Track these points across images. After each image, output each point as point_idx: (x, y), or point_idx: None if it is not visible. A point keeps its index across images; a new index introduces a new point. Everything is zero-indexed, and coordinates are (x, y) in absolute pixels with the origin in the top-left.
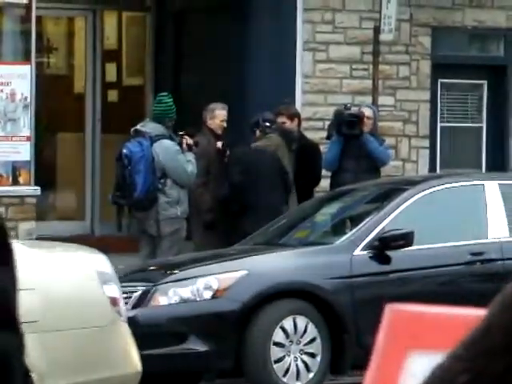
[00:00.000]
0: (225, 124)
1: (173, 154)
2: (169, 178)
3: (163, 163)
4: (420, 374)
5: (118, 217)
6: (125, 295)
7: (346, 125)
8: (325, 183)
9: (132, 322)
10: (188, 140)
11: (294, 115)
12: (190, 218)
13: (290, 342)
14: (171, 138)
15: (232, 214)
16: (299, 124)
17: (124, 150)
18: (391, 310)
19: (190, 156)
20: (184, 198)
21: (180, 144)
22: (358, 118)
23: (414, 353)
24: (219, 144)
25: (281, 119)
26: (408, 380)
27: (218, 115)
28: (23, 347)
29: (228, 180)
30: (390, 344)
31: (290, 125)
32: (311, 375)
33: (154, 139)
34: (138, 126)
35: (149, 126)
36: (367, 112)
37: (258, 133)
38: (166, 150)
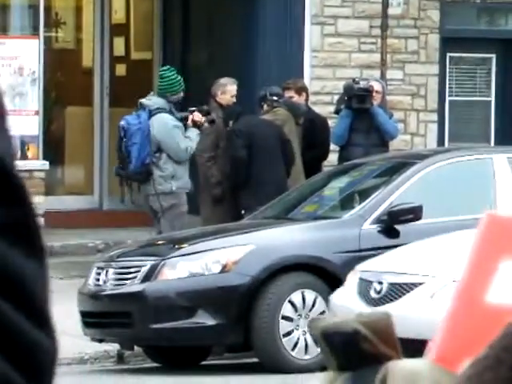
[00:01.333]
0: (234, 99)
1: (169, 128)
2: (163, 152)
3: (158, 137)
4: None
5: (121, 189)
6: (133, 269)
7: (356, 99)
8: (333, 157)
9: (140, 295)
10: (195, 116)
11: (302, 89)
12: (198, 192)
13: (299, 315)
14: (171, 113)
15: (235, 187)
16: (307, 98)
17: (121, 122)
18: (489, 216)
19: (192, 132)
20: (181, 173)
21: (184, 119)
22: (368, 92)
23: (509, 258)
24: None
25: (288, 93)
26: (501, 284)
27: (229, 90)
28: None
29: (230, 154)
30: (484, 249)
31: (297, 99)
32: (320, 349)
33: (152, 113)
34: (143, 99)
35: (152, 100)
36: (376, 86)
37: (265, 107)
38: (161, 123)
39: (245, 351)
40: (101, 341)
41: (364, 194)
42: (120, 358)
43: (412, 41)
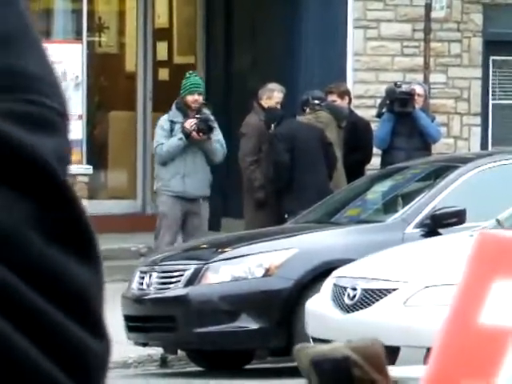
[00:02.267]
0: (279, 106)
1: (156, 128)
2: None
3: None
4: (505, 300)
5: None
6: (177, 273)
7: (398, 102)
8: (376, 161)
9: (184, 299)
10: (186, 123)
11: (344, 93)
12: (241, 196)
13: None
14: (169, 114)
15: (277, 191)
16: (350, 102)
17: None
18: (482, 235)
19: (174, 137)
20: (161, 174)
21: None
22: (410, 96)
23: (501, 279)
24: (191, 121)
25: (331, 97)
26: (493, 305)
27: (275, 96)
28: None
29: (273, 158)
30: (477, 269)
31: (340, 103)
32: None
33: None
34: None
35: None
36: (418, 89)
37: (307, 111)
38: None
39: (287, 355)
40: (144, 345)
41: (407, 198)
42: (163, 362)
43: (455, 44)
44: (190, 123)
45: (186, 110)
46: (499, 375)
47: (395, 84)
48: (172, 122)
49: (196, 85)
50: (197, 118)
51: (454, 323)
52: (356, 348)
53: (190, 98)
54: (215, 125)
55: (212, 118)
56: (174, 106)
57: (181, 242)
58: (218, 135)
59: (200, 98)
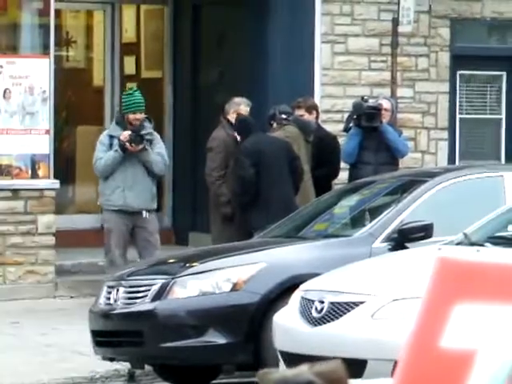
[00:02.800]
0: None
1: (96, 143)
2: None
3: None
4: (466, 324)
5: None
6: (144, 288)
7: (366, 117)
8: (343, 175)
9: (151, 314)
10: (121, 136)
11: (312, 107)
12: (208, 211)
13: None
14: (109, 128)
15: (243, 206)
16: (317, 116)
17: None
18: (441, 260)
19: (110, 151)
20: (102, 188)
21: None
22: (377, 110)
23: (461, 302)
24: (126, 133)
25: (299, 112)
26: (453, 329)
27: (242, 110)
28: None
29: (238, 173)
30: (437, 293)
31: (308, 117)
32: None
33: None
34: None
35: None
36: (385, 104)
37: (274, 125)
38: None
39: (255, 370)
40: (112, 360)
41: (374, 212)
42: (131, 377)
43: (422, 59)
44: (125, 135)
45: (125, 125)
46: None
47: (362, 98)
48: (111, 137)
49: (139, 104)
50: (131, 129)
51: (415, 346)
52: (319, 373)
53: (131, 117)
54: (150, 136)
55: (149, 130)
56: (113, 121)
57: (136, 257)
58: (159, 148)
59: (141, 116)
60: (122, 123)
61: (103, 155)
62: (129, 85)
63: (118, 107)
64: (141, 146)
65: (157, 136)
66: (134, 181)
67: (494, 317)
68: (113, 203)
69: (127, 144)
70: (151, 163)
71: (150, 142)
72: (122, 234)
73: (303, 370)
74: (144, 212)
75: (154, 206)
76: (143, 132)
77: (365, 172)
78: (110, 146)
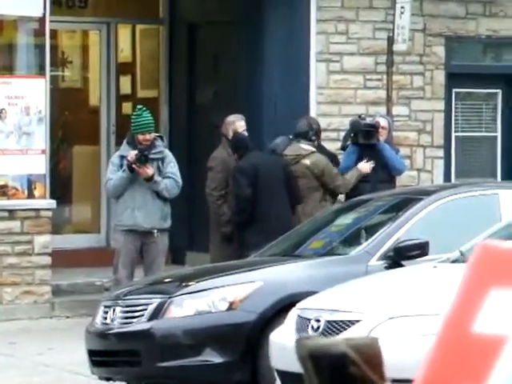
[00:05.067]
0: (246, 133)
1: (108, 164)
2: None
3: None
4: (500, 309)
5: None
6: (140, 307)
7: (363, 135)
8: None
9: (148, 334)
10: (128, 157)
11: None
12: (208, 230)
13: None
14: (120, 149)
15: (240, 225)
16: (319, 135)
17: None
18: (482, 246)
19: (120, 171)
20: (115, 209)
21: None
22: (374, 128)
23: (497, 288)
24: (133, 153)
25: None
26: (487, 314)
27: (238, 126)
28: None
29: (234, 192)
30: (474, 278)
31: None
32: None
33: None
34: None
35: None
36: (382, 122)
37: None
38: None
39: None
40: (108, 379)
41: (371, 231)
42: None
43: (417, 77)
44: (131, 155)
45: (135, 145)
46: (489, 382)
47: (359, 116)
48: (122, 157)
49: (147, 125)
50: (138, 151)
51: (448, 330)
52: (355, 346)
53: (140, 137)
54: (161, 155)
55: (160, 149)
56: (124, 141)
57: (143, 276)
58: (171, 167)
59: (151, 136)
60: (133, 143)
61: (113, 176)
62: (125, 104)
63: (114, 127)
64: (149, 170)
65: (169, 155)
66: (144, 201)
67: None
68: (123, 223)
69: (134, 164)
70: (162, 191)
71: (162, 160)
72: (130, 255)
73: (339, 341)
74: (154, 232)
75: (166, 225)
76: (153, 151)
77: (362, 189)
78: (121, 166)
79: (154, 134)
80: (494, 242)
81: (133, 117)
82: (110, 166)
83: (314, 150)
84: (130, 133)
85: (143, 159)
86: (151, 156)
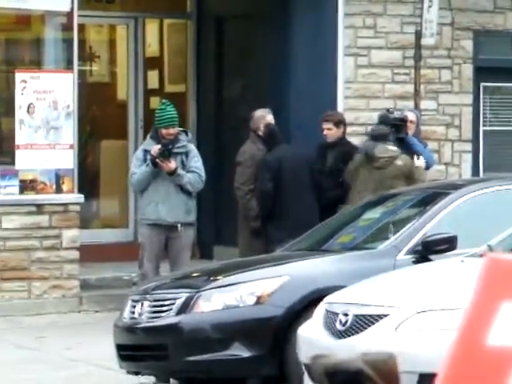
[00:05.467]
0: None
1: (133, 158)
2: None
3: None
4: None
5: None
6: (168, 302)
7: (392, 128)
8: None
9: (176, 328)
10: (152, 151)
11: (340, 122)
12: (237, 224)
13: None
14: (144, 143)
15: (263, 219)
16: (344, 131)
17: None
18: (490, 259)
19: (143, 165)
20: (139, 203)
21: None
22: (403, 122)
23: (509, 300)
24: (156, 147)
25: (327, 125)
26: (501, 326)
27: (269, 121)
28: None
29: (258, 186)
30: (485, 291)
31: (336, 131)
32: None
33: None
34: None
35: None
36: (410, 116)
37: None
38: None
39: (280, 383)
40: (137, 373)
41: (399, 225)
42: None
43: (445, 71)
44: (155, 150)
45: (159, 139)
46: None
47: (387, 110)
48: (145, 152)
49: (171, 119)
50: (161, 145)
51: (462, 344)
52: (370, 362)
53: (164, 131)
54: (185, 149)
55: (183, 143)
56: (148, 136)
57: (169, 270)
58: (195, 162)
59: (175, 130)
60: (156, 138)
61: (137, 170)
62: (152, 98)
63: (141, 122)
64: (172, 164)
65: (193, 149)
66: (167, 195)
67: None
68: (147, 217)
69: (157, 159)
70: (185, 185)
71: (186, 155)
72: (155, 249)
73: (355, 357)
74: (178, 226)
75: (190, 219)
76: (177, 145)
77: None
78: (145, 160)
79: (177, 129)
80: (501, 255)
81: (157, 111)
82: (133, 161)
83: (399, 150)
84: (154, 127)
85: (166, 153)
86: (175, 150)
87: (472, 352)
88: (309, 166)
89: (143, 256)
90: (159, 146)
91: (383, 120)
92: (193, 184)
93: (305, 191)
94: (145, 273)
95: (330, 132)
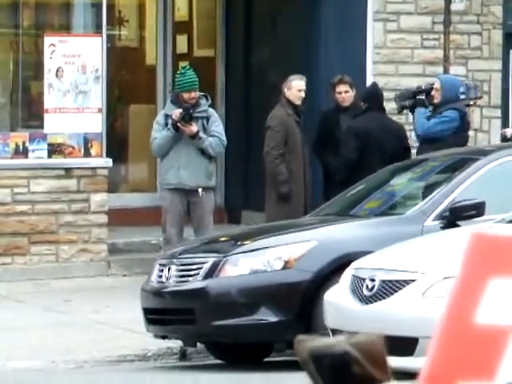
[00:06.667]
0: (303, 94)
1: (153, 123)
2: None
3: None
4: (501, 299)
5: None
6: (196, 266)
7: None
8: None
9: (203, 292)
10: (173, 115)
11: (353, 84)
12: (264, 189)
13: None
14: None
15: (338, 183)
16: (355, 94)
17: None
18: (475, 235)
19: (164, 130)
20: (160, 168)
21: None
22: (426, 92)
23: (496, 277)
24: (177, 111)
25: (344, 87)
26: (489, 304)
27: (294, 86)
28: None
29: (342, 153)
30: (472, 268)
31: (351, 94)
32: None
33: None
34: None
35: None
36: (436, 84)
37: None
38: None
39: None
40: (164, 337)
41: (426, 191)
42: (183, 355)
43: (475, 37)
44: (176, 114)
45: (180, 104)
46: (497, 374)
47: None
48: (166, 116)
49: (192, 83)
50: (183, 109)
51: (450, 322)
52: (356, 343)
53: (186, 96)
54: (206, 114)
55: (204, 108)
56: (168, 100)
57: (193, 235)
58: (216, 126)
59: (196, 94)
60: (177, 102)
61: (158, 135)
62: (181, 64)
63: (170, 86)
64: (193, 128)
65: (213, 113)
66: (188, 159)
67: None
68: (168, 182)
69: (178, 123)
70: (206, 149)
71: (207, 119)
72: (177, 213)
73: (340, 339)
74: (199, 190)
75: (211, 183)
76: (199, 109)
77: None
78: (166, 125)
79: (198, 93)
80: (487, 231)
81: (177, 75)
82: (154, 125)
83: None
84: (174, 92)
85: (188, 117)
86: (196, 115)
87: (461, 331)
88: (398, 140)
89: (165, 220)
90: (180, 110)
91: (404, 98)
92: (214, 148)
93: (389, 162)
94: (168, 237)
95: (347, 95)
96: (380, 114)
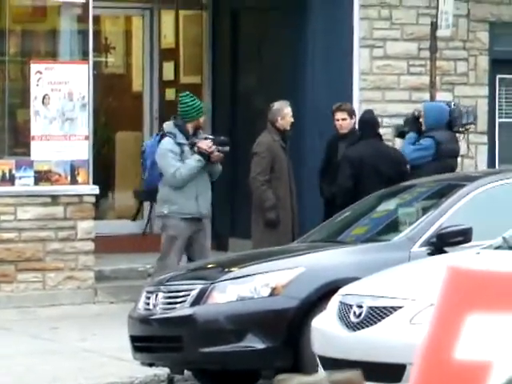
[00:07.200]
0: (292, 119)
1: (163, 152)
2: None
3: (156, 160)
4: (479, 334)
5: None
6: (183, 293)
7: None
8: None
9: (190, 319)
10: (201, 144)
11: (353, 112)
12: (250, 215)
13: None
14: (174, 137)
15: (338, 207)
16: (355, 121)
17: (142, 144)
18: (451, 270)
19: (191, 159)
20: (175, 197)
21: (192, 145)
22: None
23: (474, 313)
24: (207, 142)
25: (342, 115)
26: (467, 340)
27: (286, 113)
28: None
29: (338, 181)
30: (449, 304)
31: (350, 121)
32: None
33: (163, 136)
34: (165, 123)
35: (165, 124)
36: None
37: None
38: (160, 147)
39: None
40: (151, 365)
41: (413, 217)
42: (170, 382)
43: (461, 63)
44: (208, 144)
45: (187, 133)
46: None
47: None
48: (180, 145)
49: (201, 107)
50: (211, 139)
51: (429, 358)
52: (335, 382)
53: (201, 121)
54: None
55: (202, 133)
56: (177, 130)
57: (186, 262)
58: (189, 159)
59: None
60: (184, 130)
61: (180, 164)
62: (168, 90)
63: (156, 113)
64: (220, 153)
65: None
66: (204, 188)
67: (507, 327)
68: (188, 211)
69: (215, 153)
70: (216, 173)
71: None
72: (185, 242)
73: (320, 378)
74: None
75: (210, 209)
76: (220, 139)
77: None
78: (181, 154)
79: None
80: (463, 265)
81: (188, 102)
82: (170, 155)
83: None
84: (182, 121)
85: (217, 144)
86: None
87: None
88: (395, 167)
89: (170, 249)
90: (208, 141)
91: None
92: (219, 173)
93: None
94: (169, 265)
95: (345, 122)
96: (375, 141)
